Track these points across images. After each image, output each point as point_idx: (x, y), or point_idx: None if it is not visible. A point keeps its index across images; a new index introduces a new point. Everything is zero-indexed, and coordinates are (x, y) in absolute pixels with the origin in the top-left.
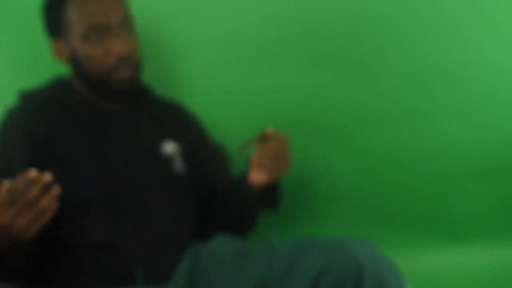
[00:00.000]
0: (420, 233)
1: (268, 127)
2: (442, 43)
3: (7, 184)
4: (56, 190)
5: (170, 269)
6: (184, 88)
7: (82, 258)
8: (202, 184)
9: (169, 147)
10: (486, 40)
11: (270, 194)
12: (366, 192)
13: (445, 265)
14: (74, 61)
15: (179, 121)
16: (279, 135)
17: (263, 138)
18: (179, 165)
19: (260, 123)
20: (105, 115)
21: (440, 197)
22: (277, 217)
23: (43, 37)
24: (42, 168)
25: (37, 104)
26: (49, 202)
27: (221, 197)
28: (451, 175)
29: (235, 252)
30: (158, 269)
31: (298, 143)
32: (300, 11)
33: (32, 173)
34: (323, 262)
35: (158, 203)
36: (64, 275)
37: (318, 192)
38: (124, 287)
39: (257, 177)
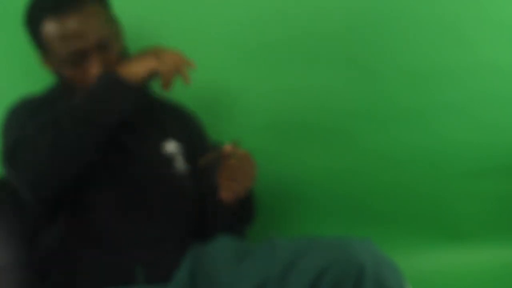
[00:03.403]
0: (420, 233)
1: (226, 145)
2: (441, 43)
3: None
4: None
5: (170, 269)
6: (184, 88)
7: (82, 257)
8: (201, 184)
9: (171, 147)
10: (486, 40)
11: (243, 209)
12: (366, 192)
13: (445, 265)
14: (59, 76)
15: (179, 121)
16: (238, 152)
17: (224, 156)
18: (180, 165)
19: (260, 124)
20: None
21: (440, 197)
22: (277, 217)
23: None
24: None
25: (38, 106)
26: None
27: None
28: (451, 175)
29: (235, 252)
30: (159, 269)
31: (298, 143)
32: (299, 13)
33: None
34: (323, 262)
35: (160, 202)
36: (64, 274)
37: (318, 192)
38: (124, 287)
39: (223, 196)
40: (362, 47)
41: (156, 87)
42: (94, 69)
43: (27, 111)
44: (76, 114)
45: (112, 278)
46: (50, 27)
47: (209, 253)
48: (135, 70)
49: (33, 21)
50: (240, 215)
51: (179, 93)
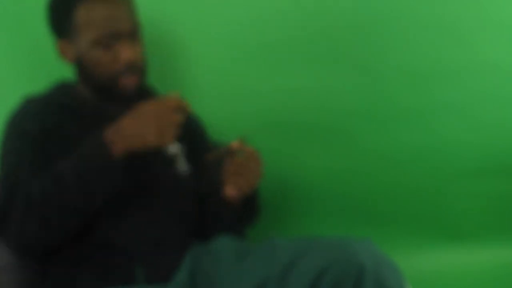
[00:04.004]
0: (420, 233)
1: (233, 141)
2: (441, 43)
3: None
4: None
5: (170, 269)
6: (185, 89)
7: (82, 257)
8: (202, 184)
9: (173, 147)
10: (485, 40)
11: (246, 208)
12: (366, 192)
13: (445, 265)
14: (80, 63)
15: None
16: (245, 149)
17: (230, 153)
18: (182, 165)
19: (260, 124)
20: (108, 116)
21: (440, 197)
22: (277, 217)
23: (44, 40)
24: (49, 165)
25: (41, 108)
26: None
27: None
28: (451, 175)
29: (235, 252)
30: (159, 269)
31: (298, 143)
32: (299, 13)
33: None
34: (323, 262)
35: (160, 202)
36: (64, 274)
37: (318, 192)
38: (124, 287)
39: (229, 193)
40: (362, 47)
41: (157, 87)
42: (125, 53)
43: (29, 122)
44: (62, 189)
45: (112, 278)
46: (86, 10)
47: (209, 253)
48: (133, 146)
49: (67, 5)
50: (242, 215)
51: (181, 94)
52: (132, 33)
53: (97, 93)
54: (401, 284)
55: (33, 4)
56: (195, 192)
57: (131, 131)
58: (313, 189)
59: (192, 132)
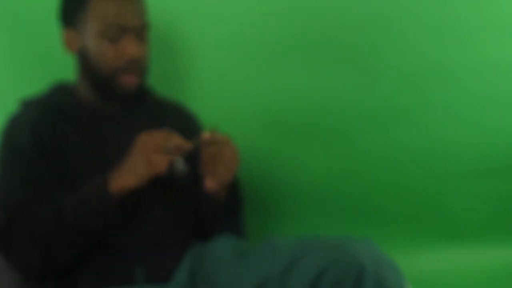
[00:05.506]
0: (420, 233)
1: (204, 132)
2: (440, 43)
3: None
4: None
5: (170, 269)
6: (185, 88)
7: (82, 257)
8: (200, 184)
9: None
10: (485, 40)
11: (229, 198)
12: (366, 193)
13: (445, 265)
14: (84, 55)
15: (179, 122)
16: (217, 138)
17: (204, 144)
18: (180, 165)
19: (260, 124)
20: (105, 116)
21: (440, 197)
22: (277, 217)
23: (44, 40)
24: (49, 171)
25: (39, 111)
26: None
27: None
28: (450, 175)
29: (235, 252)
30: (159, 269)
31: (298, 143)
32: (299, 13)
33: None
34: (323, 262)
35: (159, 203)
36: (64, 274)
37: (318, 192)
38: (124, 287)
39: (209, 185)
40: (362, 47)
41: (156, 87)
42: (129, 48)
43: (28, 133)
44: (62, 227)
45: (112, 278)
46: (99, 3)
47: (209, 253)
48: (127, 182)
49: None
50: (229, 206)
51: (178, 93)
52: (139, 31)
53: (96, 89)
54: (401, 284)
55: (33, 4)
56: (194, 192)
57: (123, 167)
58: (313, 189)
59: (189, 132)
